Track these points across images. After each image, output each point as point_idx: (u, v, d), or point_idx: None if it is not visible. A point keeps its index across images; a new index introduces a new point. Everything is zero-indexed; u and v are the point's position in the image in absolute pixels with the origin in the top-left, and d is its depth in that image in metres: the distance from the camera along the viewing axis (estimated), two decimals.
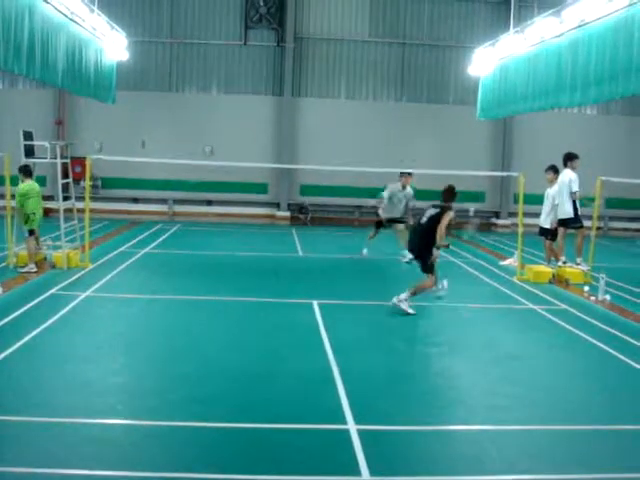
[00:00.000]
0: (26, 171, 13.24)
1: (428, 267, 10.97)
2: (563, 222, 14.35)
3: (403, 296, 10.76)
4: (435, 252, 10.84)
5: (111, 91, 18.52)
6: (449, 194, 11.28)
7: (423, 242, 10.95)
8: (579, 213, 14.30)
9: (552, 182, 14.57)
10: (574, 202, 14.20)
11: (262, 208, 26.83)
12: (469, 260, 16.86)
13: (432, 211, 11.08)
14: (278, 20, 26.22)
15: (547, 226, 14.66)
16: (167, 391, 7.02)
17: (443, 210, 10.98)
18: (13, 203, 13.45)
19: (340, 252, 18.03)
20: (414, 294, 10.85)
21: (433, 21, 26.68)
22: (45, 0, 12.55)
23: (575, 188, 14.13)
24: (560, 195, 14.25)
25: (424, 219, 11.09)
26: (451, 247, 11.82)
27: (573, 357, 9.04)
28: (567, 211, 14.21)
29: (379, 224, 16.61)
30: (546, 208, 14.69)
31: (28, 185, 13.10)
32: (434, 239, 10.76)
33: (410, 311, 10.69)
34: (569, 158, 14.41)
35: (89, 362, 7.83)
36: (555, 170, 14.58)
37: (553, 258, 14.81)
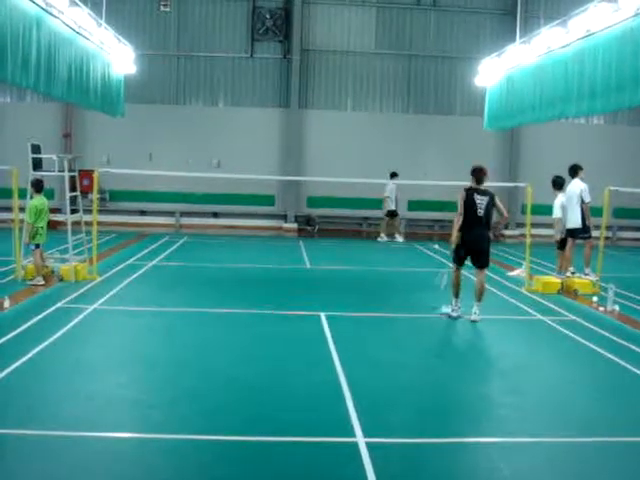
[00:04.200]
0: (38, 186, 13.24)
1: (488, 260, 11.38)
2: (571, 232, 14.30)
3: (476, 311, 11.17)
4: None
5: (119, 104, 18.60)
6: (483, 173, 11.25)
7: (486, 234, 11.15)
8: (587, 224, 14.26)
9: (554, 194, 14.56)
10: (582, 212, 14.16)
11: (269, 220, 26.81)
12: None
13: (482, 200, 11.05)
14: (284, 32, 26.29)
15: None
16: (174, 404, 7.00)
17: (492, 195, 11.20)
18: (21, 216, 13.46)
19: (348, 264, 18.01)
20: (481, 300, 11.22)
21: (439, 32, 26.71)
22: (53, 14, 12.63)
23: (588, 199, 14.11)
24: (569, 204, 14.21)
25: (480, 211, 11.01)
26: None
27: (582, 368, 8.99)
28: (576, 221, 14.16)
29: None
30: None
31: (40, 201, 13.08)
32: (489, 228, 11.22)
33: (478, 317, 11.17)
34: (577, 170, 14.38)
35: (97, 375, 7.82)
36: (558, 186, 14.53)
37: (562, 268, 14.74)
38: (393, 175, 22.53)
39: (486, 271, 11.56)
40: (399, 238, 23.70)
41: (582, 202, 14.16)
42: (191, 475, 5.41)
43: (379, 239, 23.74)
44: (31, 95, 25.35)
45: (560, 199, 14.45)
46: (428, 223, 26.44)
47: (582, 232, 14.28)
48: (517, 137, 26.69)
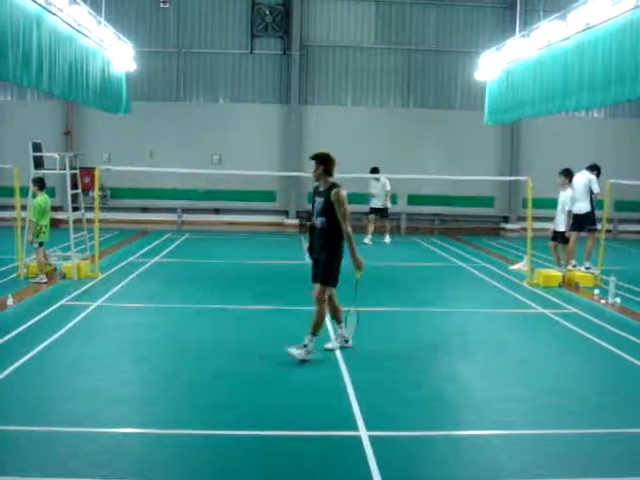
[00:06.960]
0: (41, 184, 13.30)
1: (326, 279, 8.75)
2: (578, 219, 14.20)
3: (304, 342, 8.39)
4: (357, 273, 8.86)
5: (122, 101, 18.59)
6: (323, 163, 8.65)
7: (320, 244, 8.65)
8: (594, 215, 14.31)
9: (563, 186, 14.47)
10: (592, 202, 14.21)
11: (270, 216, 26.85)
12: (478, 265, 16.84)
13: (317, 202, 8.53)
14: (284, 28, 26.30)
15: (560, 229, 14.64)
16: (178, 400, 7.04)
17: (328, 193, 8.31)
18: (23, 214, 13.50)
19: (348, 259, 17.97)
20: (315, 334, 8.44)
21: (439, 27, 26.70)
22: (52, 12, 12.64)
23: (597, 189, 14.18)
24: (576, 193, 14.23)
25: (314, 218, 8.62)
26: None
27: (584, 361, 9.00)
28: (583, 207, 14.17)
29: None
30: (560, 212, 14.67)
31: (44, 199, 13.14)
32: (333, 238, 8.49)
33: (306, 357, 8.30)
34: (594, 168, 14.46)
35: (100, 372, 7.85)
36: (566, 174, 14.49)
37: (563, 261, 14.73)
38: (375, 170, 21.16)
39: (322, 293, 8.88)
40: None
41: (591, 193, 14.22)
42: (194, 469, 5.44)
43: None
44: (32, 93, 25.40)
45: (569, 192, 14.41)
46: (429, 217, 26.46)
47: (590, 223, 14.31)
48: (517, 131, 26.69)
